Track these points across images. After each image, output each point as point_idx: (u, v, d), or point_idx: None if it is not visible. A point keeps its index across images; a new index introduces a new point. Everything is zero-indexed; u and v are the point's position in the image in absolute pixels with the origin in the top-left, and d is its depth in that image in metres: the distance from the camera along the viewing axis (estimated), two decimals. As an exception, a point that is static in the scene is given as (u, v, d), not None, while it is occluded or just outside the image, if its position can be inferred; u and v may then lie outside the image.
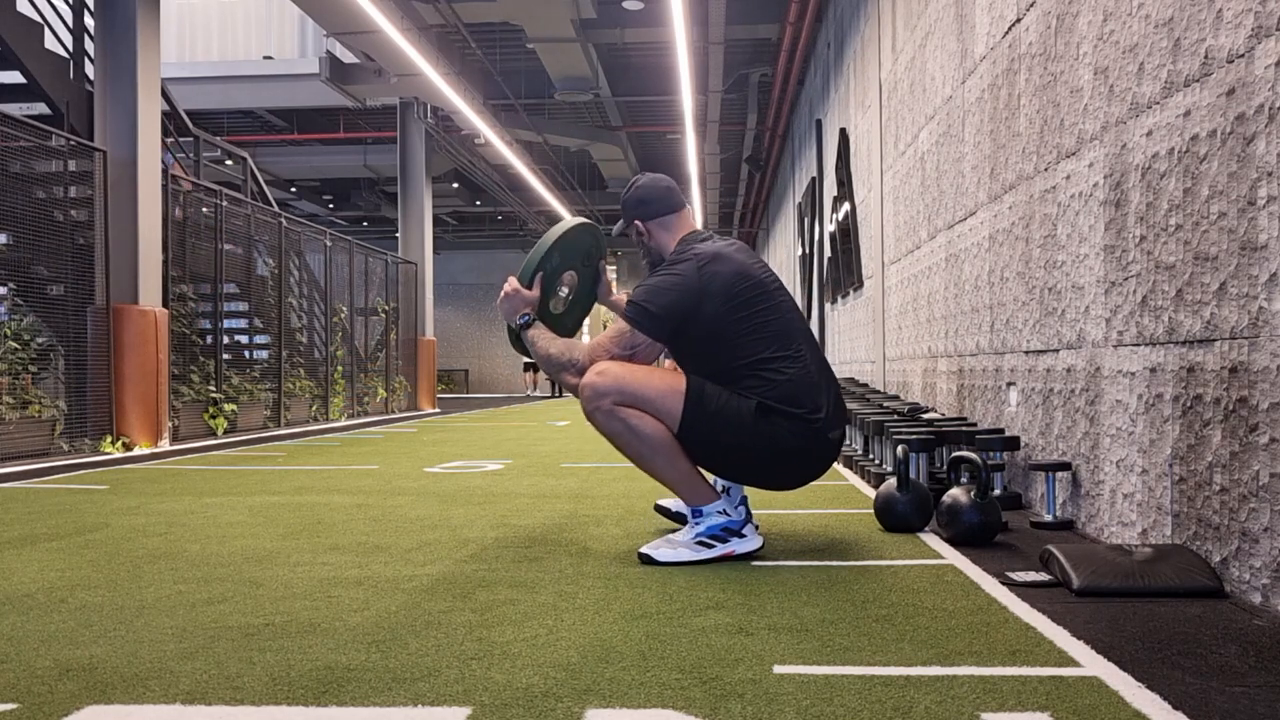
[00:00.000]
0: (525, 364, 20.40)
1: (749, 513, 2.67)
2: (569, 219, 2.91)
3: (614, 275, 29.74)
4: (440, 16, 10.88)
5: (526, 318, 2.73)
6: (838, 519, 3.20)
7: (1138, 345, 2.52)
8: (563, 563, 2.50)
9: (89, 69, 7.34)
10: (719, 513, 2.53)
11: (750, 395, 2.52)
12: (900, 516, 2.92)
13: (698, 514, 2.54)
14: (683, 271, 2.59)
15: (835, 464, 5.07)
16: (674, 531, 2.67)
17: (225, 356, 8.32)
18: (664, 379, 2.55)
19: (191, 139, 8.84)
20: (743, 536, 2.54)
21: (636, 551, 2.56)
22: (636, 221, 2.78)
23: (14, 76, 7.52)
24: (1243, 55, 2.02)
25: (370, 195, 20.15)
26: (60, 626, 1.91)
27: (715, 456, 2.58)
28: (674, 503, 3.02)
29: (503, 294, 2.78)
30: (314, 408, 10.05)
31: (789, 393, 2.52)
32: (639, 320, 2.57)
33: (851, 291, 8.04)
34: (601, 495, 3.90)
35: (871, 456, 4.51)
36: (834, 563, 2.47)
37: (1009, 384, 3.66)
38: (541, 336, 2.70)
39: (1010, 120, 3.61)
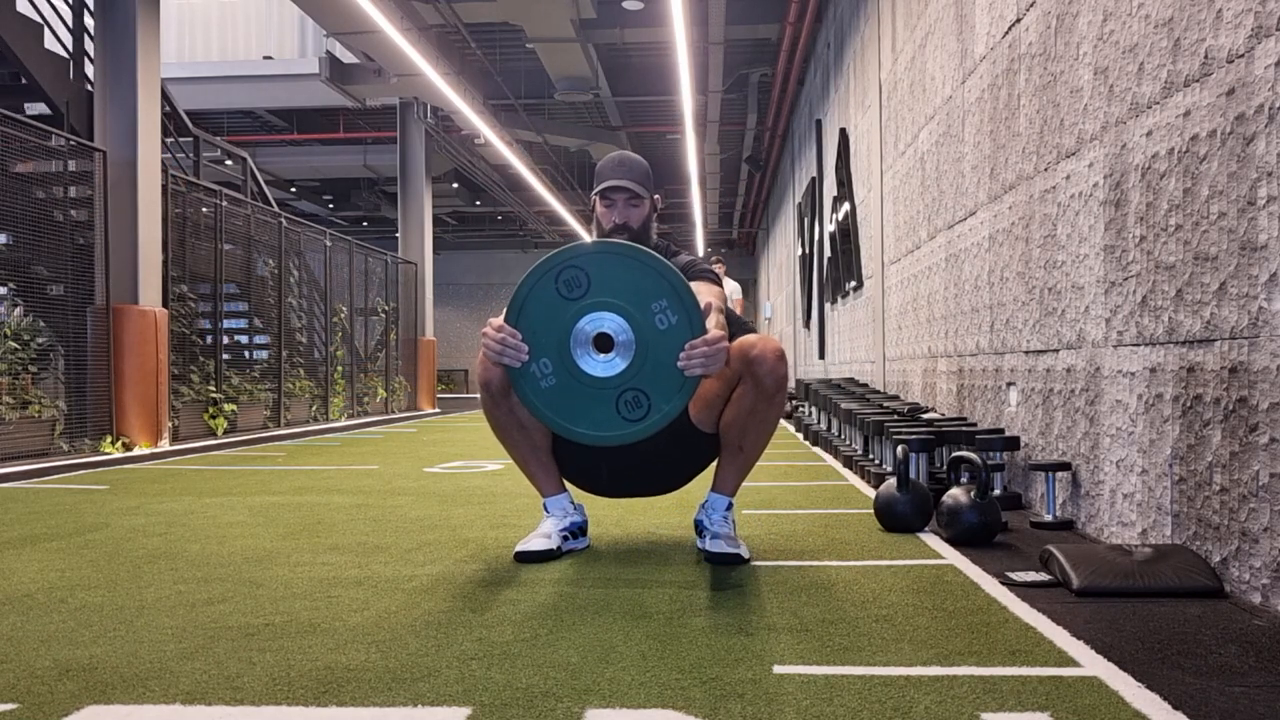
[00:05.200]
0: None
1: None
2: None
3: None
4: (440, 16, 10.88)
5: None
6: (838, 519, 3.20)
7: (1138, 345, 2.52)
8: (562, 563, 2.50)
9: (89, 69, 7.34)
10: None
11: None
12: (900, 516, 2.92)
13: (729, 505, 2.59)
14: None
15: (835, 464, 5.08)
16: (706, 531, 2.58)
17: (225, 356, 8.32)
18: None
19: (191, 139, 8.84)
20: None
21: (712, 553, 2.48)
22: (656, 195, 2.67)
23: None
24: (1243, 55, 2.02)
25: (370, 195, 20.14)
26: (60, 626, 1.91)
27: None
28: None
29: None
30: (314, 408, 10.04)
31: None
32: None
33: (851, 291, 8.04)
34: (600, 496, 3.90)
35: (871, 456, 4.51)
36: (834, 563, 2.47)
37: (1009, 384, 3.66)
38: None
39: (1010, 120, 3.61)
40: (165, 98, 7.58)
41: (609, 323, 2.16)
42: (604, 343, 2.17)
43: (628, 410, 2.17)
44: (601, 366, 2.17)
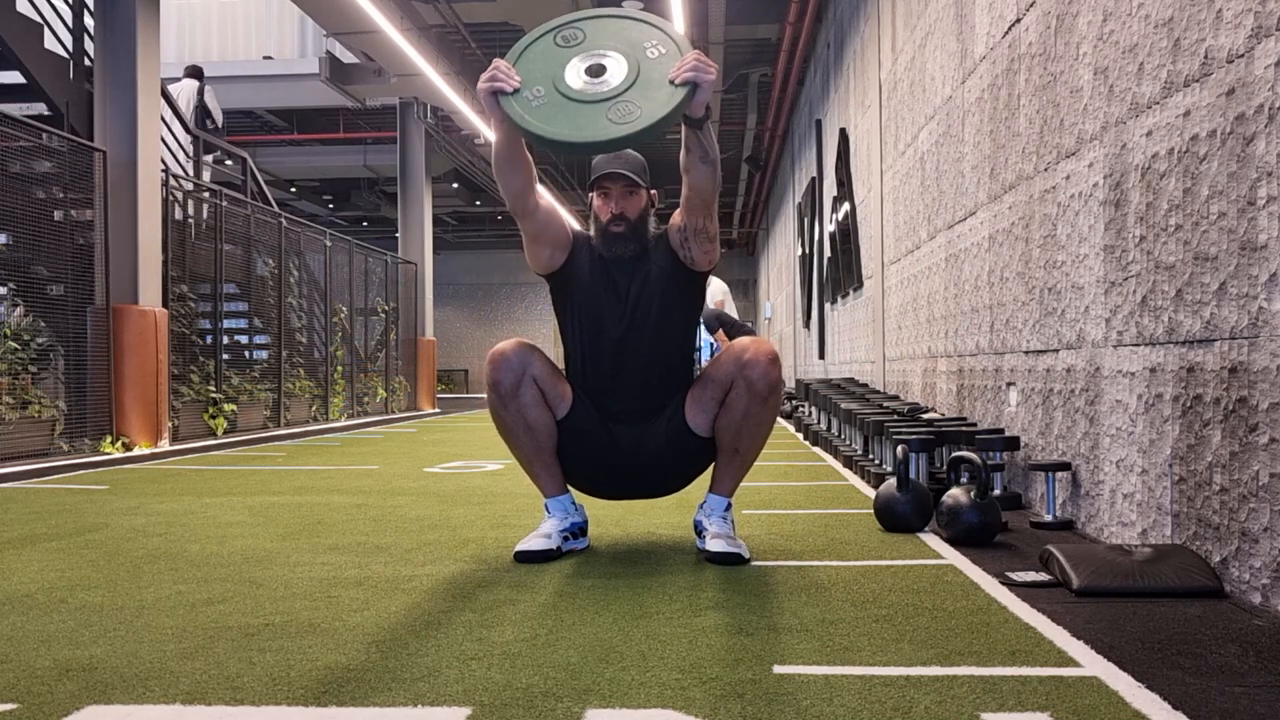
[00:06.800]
0: None
1: None
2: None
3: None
4: (440, 16, 10.88)
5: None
6: (837, 519, 3.20)
7: (1138, 345, 2.52)
8: (562, 563, 2.50)
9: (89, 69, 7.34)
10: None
11: None
12: (900, 517, 2.92)
13: (728, 506, 2.60)
14: None
15: (835, 464, 5.08)
16: (707, 530, 2.58)
17: (225, 356, 8.32)
18: None
19: (191, 139, 8.84)
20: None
21: (712, 552, 2.47)
22: (653, 190, 2.65)
23: (14, 76, 7.51)
24: (1243, 55, 2.02)
25: (370, 195, 20.14)
26: (60, 626, 1.91)
27: None
28: None
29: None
30: (314, 408, 10.04)
31: None
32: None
33: (851, 291, 8.04)
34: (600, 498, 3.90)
35: (871, 456, 4.51)
36: (834, 563, 2.47)
37: (1009, 384, 3.66)
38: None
39: (1010, 120, 3.61)
40: (165, 98, 7.58)
41: (603, 56, 2.25)
42: (598, 71, 2.24)
43: (616, 115, 2.17)
44: (593, 87, 2.21)
